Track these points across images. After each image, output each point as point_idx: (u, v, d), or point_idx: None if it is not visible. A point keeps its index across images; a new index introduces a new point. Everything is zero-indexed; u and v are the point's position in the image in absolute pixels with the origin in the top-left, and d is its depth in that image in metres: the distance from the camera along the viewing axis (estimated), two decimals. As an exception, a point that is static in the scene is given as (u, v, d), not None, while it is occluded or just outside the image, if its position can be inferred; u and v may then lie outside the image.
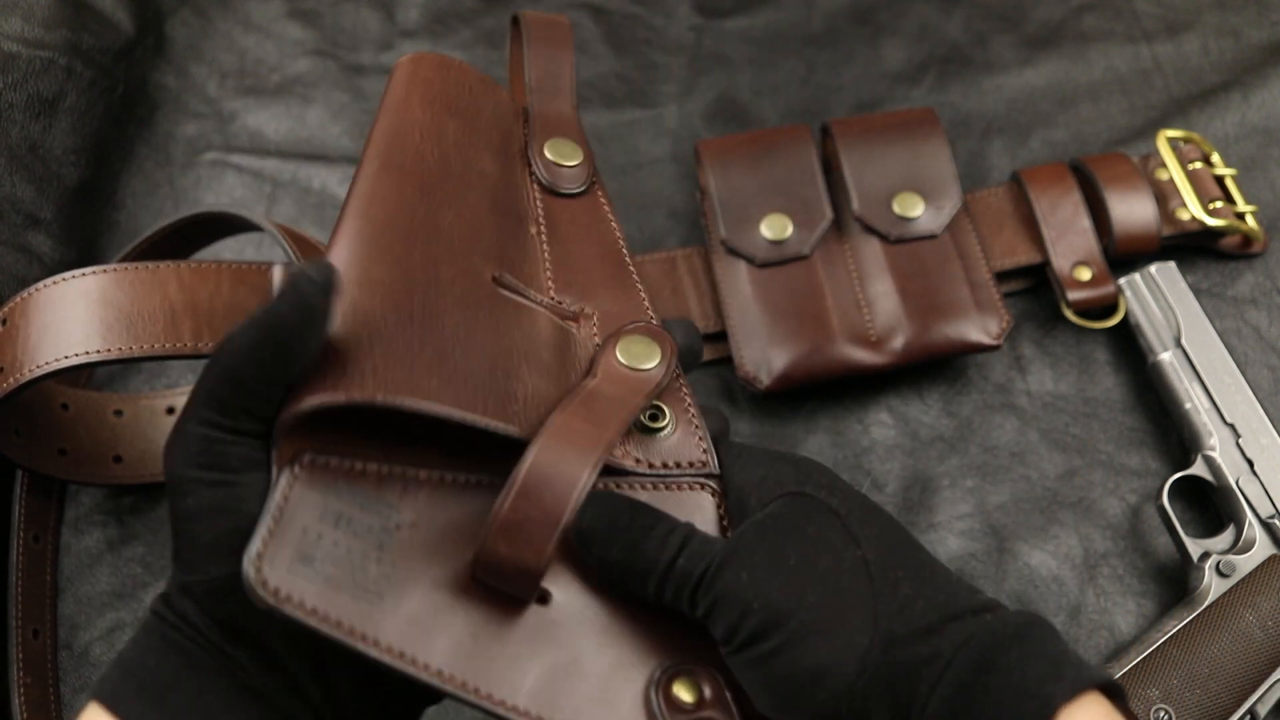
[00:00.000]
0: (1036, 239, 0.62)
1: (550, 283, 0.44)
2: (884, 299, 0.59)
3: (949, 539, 0.57)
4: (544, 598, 0.36)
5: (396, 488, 0.36)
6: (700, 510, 0.39)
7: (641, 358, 0.41)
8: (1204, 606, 0.51)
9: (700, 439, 0.41)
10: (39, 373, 0.49)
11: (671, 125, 0.72)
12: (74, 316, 0.50)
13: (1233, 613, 0.51)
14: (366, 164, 0.42)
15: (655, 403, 0.40)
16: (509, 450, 0.36)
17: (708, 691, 0.36)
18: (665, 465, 0.40)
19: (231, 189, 0.70)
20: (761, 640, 0.33)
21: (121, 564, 0.58)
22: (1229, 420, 0.56)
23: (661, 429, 0.40)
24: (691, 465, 0.40)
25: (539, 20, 0.54)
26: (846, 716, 0.33)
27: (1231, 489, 0.54)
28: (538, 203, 0.47)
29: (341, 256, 0.37)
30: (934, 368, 0.62)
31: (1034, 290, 0.64)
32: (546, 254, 0.45)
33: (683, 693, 0.36)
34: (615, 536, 0.35)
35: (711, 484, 0.40)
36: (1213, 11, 0.73)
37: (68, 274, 0.51)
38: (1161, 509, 0.54)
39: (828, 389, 0.60)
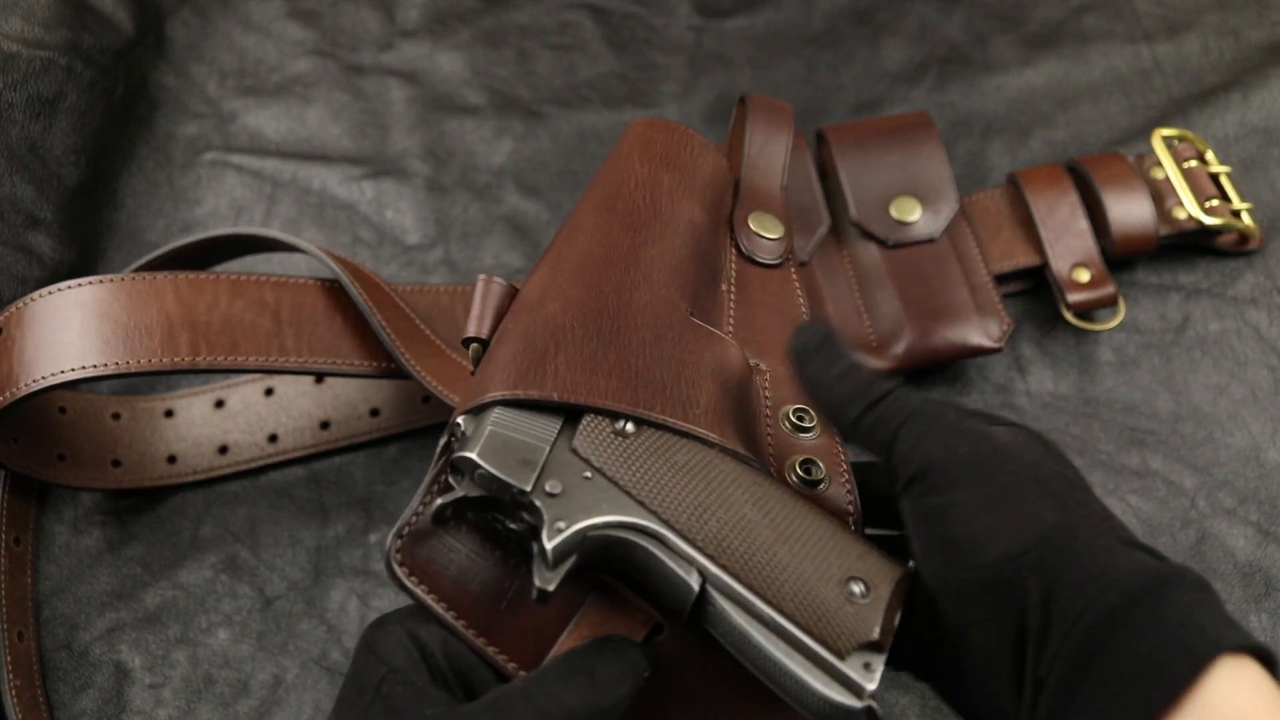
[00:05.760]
0: (1034, 241, 0.62)
1: (730, 335, 0.47)
2: (884, 304, 0.59)
3: (948, 540, 0.57)
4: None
5: None
6: None
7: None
8: None
9: (849, 493, 0.43)
10: (34, 388, 0.48)
11: (671, 125, 0.72)
12: (70, 329, 0.49)
13: None
14: (582, 204, 0.47)
15: (812, 459, 0.44)
16: None
17: None
18: None
19: (231, 189, 0.70)
20: (939, 492, 0.35)
21: (121, 564, 0.58)
22: None
23: (818, 482, 0.43)
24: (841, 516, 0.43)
25: (763, 101, 0.57)
26: (1004, 585, 0.33)
27: None
28: (732, 265, 0.51)
29: (542, 276, 0.43)
30: (934, 368, 0.62)
31: (1033, 291, 0.64)
32: (731, 310, 0.49)
33: None
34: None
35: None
36: (1213, 11, 0.73)
37: (64, 284, 0.50)
38: None
39: (827, 390, 0.60)
